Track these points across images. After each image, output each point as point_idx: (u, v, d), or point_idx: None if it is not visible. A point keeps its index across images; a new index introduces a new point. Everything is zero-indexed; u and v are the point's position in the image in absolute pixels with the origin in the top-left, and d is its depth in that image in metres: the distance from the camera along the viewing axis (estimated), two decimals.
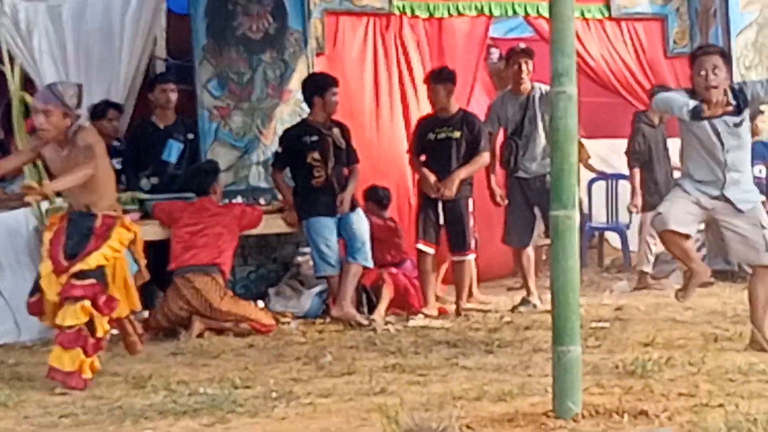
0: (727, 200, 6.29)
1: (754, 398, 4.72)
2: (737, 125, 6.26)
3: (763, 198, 6.91)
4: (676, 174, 9.16)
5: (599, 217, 12.13)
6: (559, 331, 4.57)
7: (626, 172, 12.15)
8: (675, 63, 10.65)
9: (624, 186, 12.03)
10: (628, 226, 11.85)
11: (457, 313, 8.39)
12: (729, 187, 6.29)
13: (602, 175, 12.19)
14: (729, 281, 10.08)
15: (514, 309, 8.48)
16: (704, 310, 8.10)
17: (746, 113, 6.31)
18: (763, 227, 6.28)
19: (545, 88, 8.17)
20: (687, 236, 6.34)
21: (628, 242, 11.69)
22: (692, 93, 6.26)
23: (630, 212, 10.35)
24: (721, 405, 4.61)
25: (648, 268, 9.95)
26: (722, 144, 6.24)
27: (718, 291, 9.42)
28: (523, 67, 8.63)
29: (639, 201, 9.97)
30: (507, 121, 8.72)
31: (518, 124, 8.64)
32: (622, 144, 12.16)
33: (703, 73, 6.19)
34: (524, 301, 8.58)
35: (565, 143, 4.66)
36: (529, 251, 8.79)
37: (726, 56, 6.47)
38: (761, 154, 10.18)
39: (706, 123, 6.22)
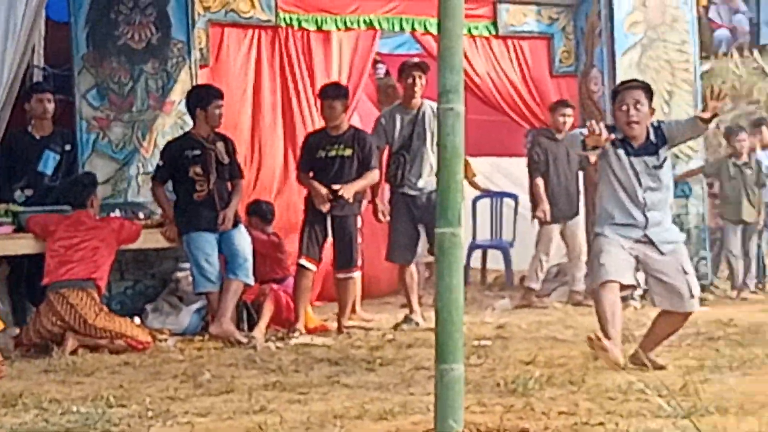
0: (651, 242, 6.20)
1: (632, 416, 4.72)
2: (657, 167, 6.20)
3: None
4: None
5: (483, 234, 12.20)
6: (443, 349, 4.51)
7: (510, 190, 12.31)
8: (560, 82, 10.80)
9: (508, 204, 12.16)
10: (511, 244, 11.96)
11: (339, 330, 8.32)
12: (651, 228, 6.19)
13: (487, 193, 12.27)
14: None
15: (396, 327, 8.44)
16: (585, 329, 8.12)
17: (665, 152, 6.23)
18: (685, 272, 6.19)
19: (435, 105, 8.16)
20: (626, 287, 6.30)
21: (511, 260, 11.78)
22: (614, 128, 6.21)
23: (539, 219, 10.31)
24: (601, 423, 4.60)
25: (536, 285, 10.02)
26: (640, 183, 6.14)
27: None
28: (417, 81, 8.57)
29: (546, 206, 10.03)
30: (395, 136, 8.67)
31: (407, 139, 8.61)
32: (507, 162, 12.29)
33: (624, 108, 6.13)
34: (407, 319, 8.54)
35: (452, 160, 4.61)
36: (413, 268, 8.76)
37: (649, 91, 6.31)
38: None
39: (625, 162, 6.15)
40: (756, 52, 14.87)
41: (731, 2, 15.34)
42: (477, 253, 12.13)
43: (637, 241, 6.19)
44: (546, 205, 9.98)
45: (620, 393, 5.33)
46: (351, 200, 8.25)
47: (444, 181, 4.63)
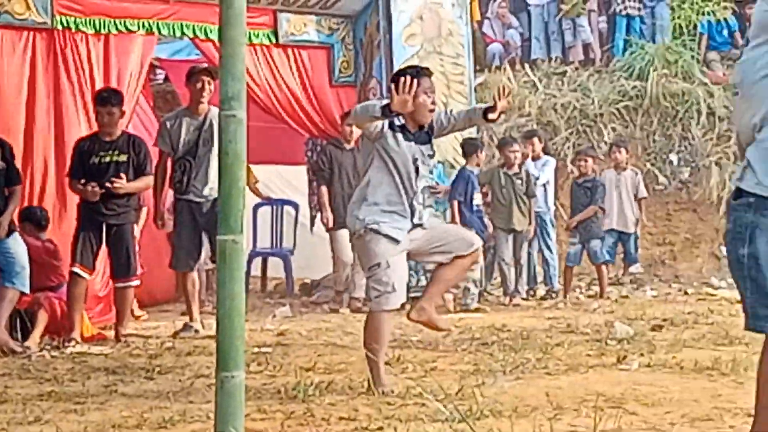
0: (419, 225, 5.99)
1: (411, 421, 4.81)
2: (431, 156, 6.15)
3: None
4: None
5: (264, 242, 12.21)
6: (224, 356, 4.48)
7: (290, 198, 12.37)
8: (340, 91, 10.92)
9: (288, 212, 12.21)
10: (291, 252, 12.01)
11: (117, 339, 8.17)
12: (418, 214, 6.00)
13: (267, 201, 12.29)
14: None
15: (176, 335, 8.34)
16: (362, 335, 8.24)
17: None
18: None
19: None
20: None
21: (292, 268, 11.83)
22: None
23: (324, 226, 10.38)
24: (380, 428, 4.67)
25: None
26: (417, 172, 5.98)
27: None
28: (206, 86, 8.44)
29: (329, 214, 10.14)
30: (180, 141, 8.52)
31: (192, 145, 8.46)
32: (287, 170, 12.33)
33: (425, 95, 5.90)
34: (186, 327, 8.46)
35: (234, 167, 4.58)
36: (194, 276, 8.68)
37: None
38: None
39: (405, 148, 5.91)
40: (527, 66, 15.41)
41: (504, 18, 15.82)
42: (257, 261, 12.13)
43: (409, 231, 5.94)
44: (329, 213, 10.09)
45: (399, 398, 5.42)
46: (127, 207, 8.13)
47: (225, 187, 4.61)
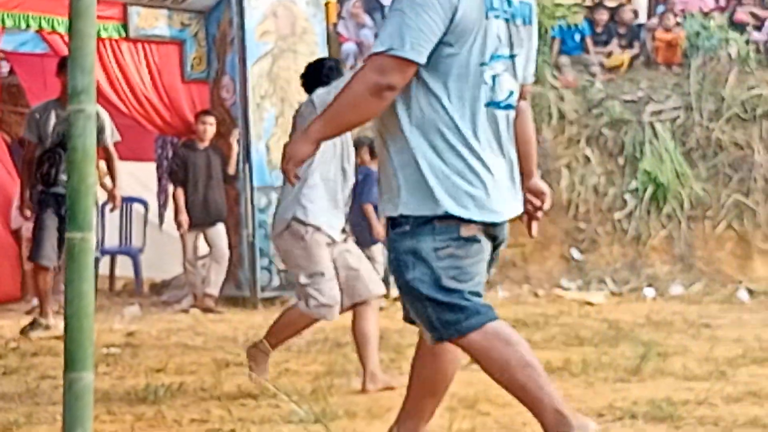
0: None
1: (264, 422, 4.76)
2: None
3: None
4: None
5: (112, 240, 11.98)
6: (72, 357, 4.34)
7: (139, 195, 12.18)
8: (192, 88, 10.77)
9: (137, 209, 12.00)
10: (141, 250, 11.81)
11: None
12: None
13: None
14: (239, 306, 10.29)
15: (23, 331, 8.08)
16: (215, 336, 8.16)
17: None
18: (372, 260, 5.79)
19: None
20: None
21: (140, 266, 11.64)
22: None
23: (179, 228, 10.24)
24: (233, 430, 4.61)
25: (212, 291, 9.94)
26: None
27: (229, 316, 9.56)
28: None
29: (185, 218, 10.03)
30: (48, 132, 8.26)
31: (62, 136, 8.09)
32: (135, 167, 12.11)
33: None
34: (35, 324, 8.17)
35: (83, 163, 4.44)
36: (50, 273, 8.36)
37: None
38: None
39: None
40: None
41: (358, 18, 15.83)
42: (105, 260, 11.88)
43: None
44: (185, 215, 9.99)
45: (251, 398, 5.36)
46: None
47: (74, 183, 4.47)
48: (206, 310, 9.85)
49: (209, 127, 10.26)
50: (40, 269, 8.41)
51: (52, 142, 8.24)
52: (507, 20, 3.51)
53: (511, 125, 3.61)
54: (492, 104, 3.48)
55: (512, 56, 3.55)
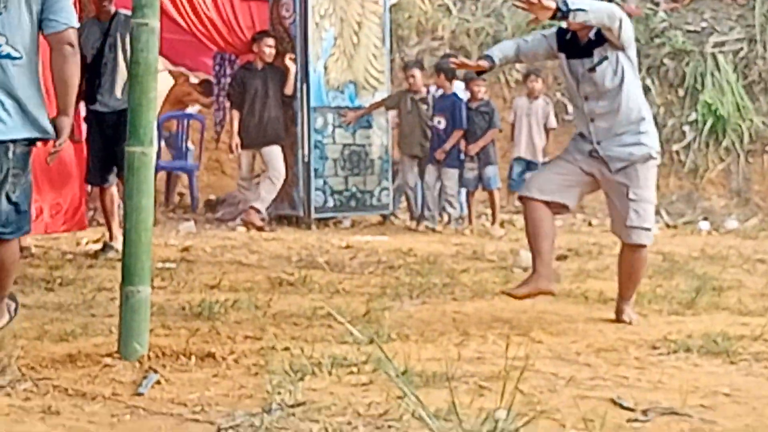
0: (600, 158, 5.48)
1: (317, 342, 4.79)
2: (591, 70, 5.47)
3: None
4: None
5: (168, 155, 12.04)
6: (129, 270, 4.41)
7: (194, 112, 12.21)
8: (252, 6, 10.72)
9: (194, 126, 12.03)
10: (197, 167, 11.86)
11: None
12: (601, 142, 5.47)
13: (173, 113, 12.08)
14: (293, 226, 10.35)
15: (96, 255, 7.86)
16: (269, 254, 8.21)
17: (604, 52, 5.42)
18: (630, 198, 5.43)
19: (126, 12, 7.82)
20: (555, 206, 5.51)
21: (196, 183, 11.70)
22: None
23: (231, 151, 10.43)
24: (286, 348, 4.63)
25: (260, 206, 10.11)
26: (578, 89, 5.53)
27: (282, 235, 9.62)
28: None
29: (236, 141, 10.24)
30: (86, 49, 7.86)
31: (98, 51, 7.95)
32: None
33: None
34: (106, 247, 7.98)
35: (145, 77, 4.49)
36: (113, 191, 8.10)
37: None
38: (442, 107, 10.56)
39: (564, 62, 5.57)
40: None
41: None
42: (161, 175, 11.95)
43: (590, 155, 5.51)
44: (235, 139, 10.11)
45: (305, 318, 5.40)
46: None
47: (136, 98, 4.50)
48: (249, 224, 9.90)
49: (266, 48, 10.25)
50: (101, 190, 8.23)
51: (90, 58, 7.94)
52: None
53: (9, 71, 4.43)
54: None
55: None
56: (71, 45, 4.56)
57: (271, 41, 10.31)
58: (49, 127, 4.58)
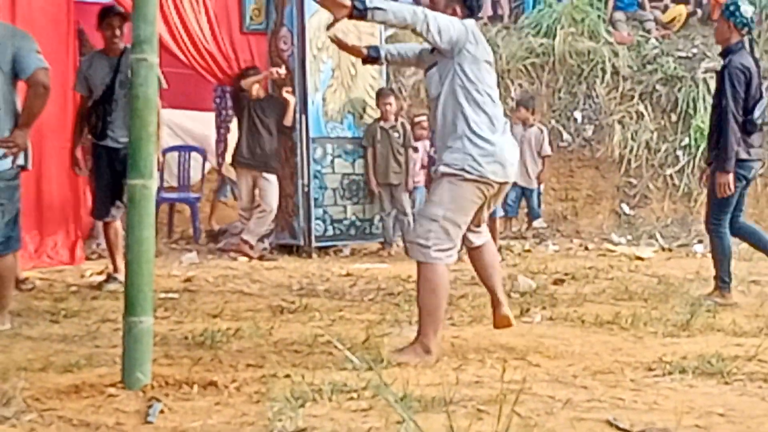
0: None
1: (318, 368, 4.84)
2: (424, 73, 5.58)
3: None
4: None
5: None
6: (132, 301, 4.49)
7: (197, 144, 12.30)
8: (251, 39, 10.83)
9: (195, 158, 12.14)
10: (198, 198, 11.95)
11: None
12: (437, 152, 5.55)
13: (175, 146, 12.20)
14: (294, 255, 10.42)
15: (100, 286, 7.90)
16: (271, 283, 8.29)
17: (435, 59, 5.38)
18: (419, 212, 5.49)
19: None
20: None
21: (198, 214, 11.79)
22: None
23: None
24: (287, 375, 4.68)
25: (248, 238, 10.21)
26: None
27: (283, 264, 9.70)
28: (116, 30, 7.98)
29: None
30: (95, 84, 8.05)
31: (108, 87, 7.98)
32: (196, 116, 12.20)
33: None
34: (110, 278, 8.00)
35: (145, 111, 4.59)
36: (117, 225, 8.10)
37: None
38: None
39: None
40: None
41: None
42: (164, 207, 12.04)
43: None
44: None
45: (306, 346, 5.46)
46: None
47: (136, 131, 4.60)
48: (238, 252, 10.02)
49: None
50: (105, 224, 8.23)
51: (100, 93, 8.04)
52: None
53: None
54: None
55: None
56: (43, 86, 5.83)
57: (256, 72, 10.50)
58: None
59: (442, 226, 5.16)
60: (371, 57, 5.87)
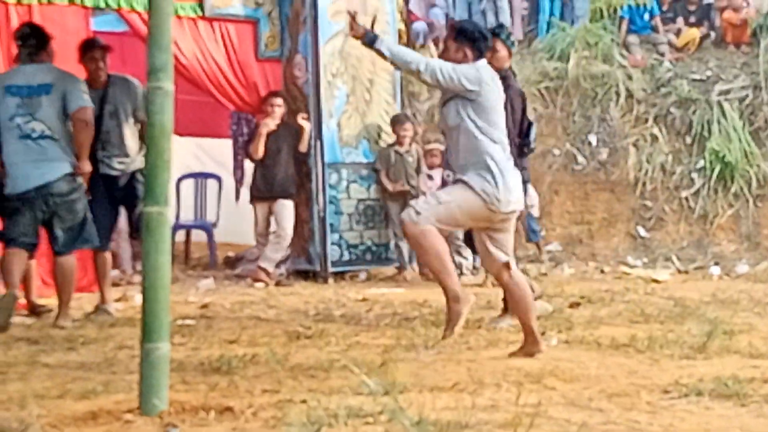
0: None
1: (334, 393, 4.85)
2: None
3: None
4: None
5: (187, 214, 12.19)
6: (149, 328, 4.52)
7: (214, 171, 12.38)
8: (266, 66, 10.90)
9: (212, 185, 12.19)
10: (215, 225, 12.00)
11: (32, 310, 7.98)
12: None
13: (191, 173, 12.26)
14: (310, 280, 10.45)
15: (88, 317, 7.87)
16: (287, 309, 8.32)
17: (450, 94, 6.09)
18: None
19: (120, 75, 8.07)
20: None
21: (215, 241, 11.83)
22: None
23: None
24: (304, 401, 4.68)
25: (265, 265, 10.26)
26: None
27: (300, 290, 9.72)
28: (99, 62, 8.03)
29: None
30: None
31: (97, 117, 7.80)
32: (213, 143, 12.28)
33: None
34: (98, 310, 7.98)
35: (160, 139, 4.62)
36: (107, 255, 8.15)
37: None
38: None
39: None
40: None
41: None
42: (180, 234, 12.10)
43: None
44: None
45: (322, 371, 5.47)
46: None
47: (152, 159, 4.64)
48: (256, 280, 10.06)
49: (277, 109, 10.46)
50: (94, 252, 8.09)
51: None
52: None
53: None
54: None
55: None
56: (83, 120, 7.34)
57: (279, 101, 10.53)
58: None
59: (440, 209, 6.02)
60: (369, 38, 6.19)
